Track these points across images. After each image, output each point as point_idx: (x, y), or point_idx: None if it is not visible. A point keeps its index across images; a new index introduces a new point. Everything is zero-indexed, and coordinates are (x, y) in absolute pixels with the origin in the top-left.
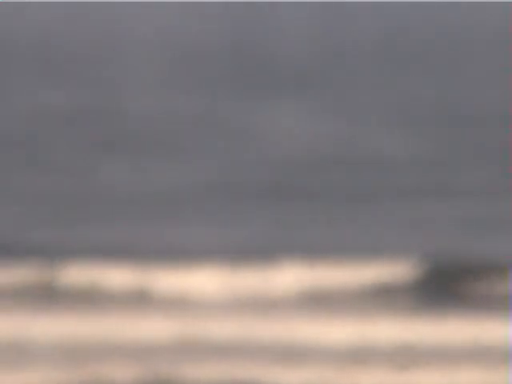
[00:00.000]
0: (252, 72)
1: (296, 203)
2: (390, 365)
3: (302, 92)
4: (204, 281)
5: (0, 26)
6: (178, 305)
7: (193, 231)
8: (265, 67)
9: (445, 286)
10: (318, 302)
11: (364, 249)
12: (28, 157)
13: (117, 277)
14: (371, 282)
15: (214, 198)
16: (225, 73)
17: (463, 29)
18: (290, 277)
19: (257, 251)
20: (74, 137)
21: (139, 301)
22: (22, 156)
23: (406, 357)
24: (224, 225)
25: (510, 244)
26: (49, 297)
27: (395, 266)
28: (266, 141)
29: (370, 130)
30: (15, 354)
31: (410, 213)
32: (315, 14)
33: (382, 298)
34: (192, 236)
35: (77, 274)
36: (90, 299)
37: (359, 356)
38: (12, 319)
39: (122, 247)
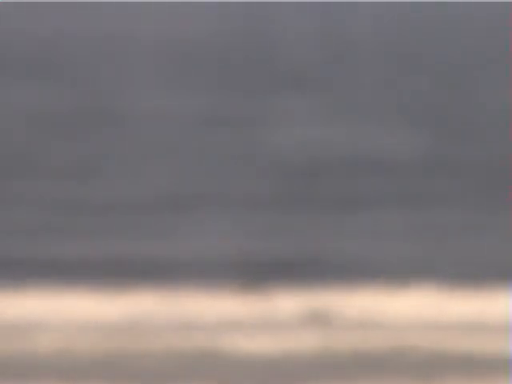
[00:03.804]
0: (252, 72)
1: (296, 209)
2: None
3: (302, 92)
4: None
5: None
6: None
7: (191, 241)
8: (265, 67)
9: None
10: None
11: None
12: (27, 159)
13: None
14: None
15: (211, 203)
16: (224, 73)
17: (463, 28)
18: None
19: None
20: (73, 138)
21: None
22: (21, 158)
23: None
24: (223, 234)
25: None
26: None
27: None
28: (265, 142)
29: (370, 130)
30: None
31: (409, 220)
32: (315, 13)
33: None
34: (191, 247)
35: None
36: None
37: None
38: None
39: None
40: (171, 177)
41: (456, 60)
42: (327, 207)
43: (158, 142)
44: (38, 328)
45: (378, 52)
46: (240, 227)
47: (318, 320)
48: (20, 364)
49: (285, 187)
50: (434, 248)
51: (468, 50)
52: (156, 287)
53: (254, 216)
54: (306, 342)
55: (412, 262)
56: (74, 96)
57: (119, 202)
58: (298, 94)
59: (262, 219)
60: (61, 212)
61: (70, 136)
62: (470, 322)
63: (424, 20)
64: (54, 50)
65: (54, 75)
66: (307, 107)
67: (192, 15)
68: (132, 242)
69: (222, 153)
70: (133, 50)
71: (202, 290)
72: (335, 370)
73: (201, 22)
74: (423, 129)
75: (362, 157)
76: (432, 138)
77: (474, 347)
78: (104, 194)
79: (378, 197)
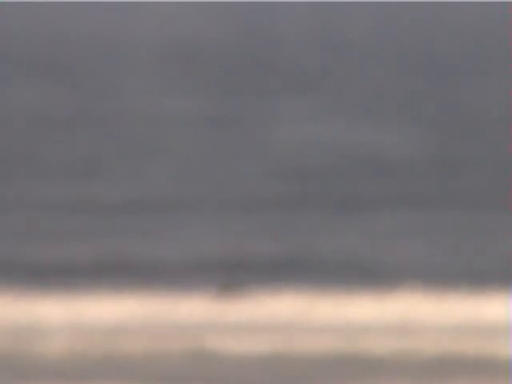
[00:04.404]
0: (252, 72)
1: (295, 210)
2: None
3: (302, 92)
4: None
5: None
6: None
7: (188, 242)
8: (265, 67)
9: None
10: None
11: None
12: (27, 160)
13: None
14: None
15: (210, 203)
16: (225, 73)
17: (463, 28)
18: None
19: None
20: (73, 139)
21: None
22: (22, 160)
23: None
24: (221, 234)
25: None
26: None
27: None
28: (265, 143)
29: (370, 130)
30: None
31: (409, 220)
32: (315, 13)
33: None
34: (189, 248)
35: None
36: None
37: None
38: None
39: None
40: (170, 177)
41: (456, 60)
42: (326, 208)
43: (157, 142)
44: (39, 330)
45: (378, 52)
46: (237, 228)
47: (311, 322)
48: (23, 366)
49: (284, 187)
50: (435, 248)
51: (468, 50)
52: (150, 289)
53: (252, 216)
54: (298, 343)
55: (412, 263)
56: (74, 96)
57: (118, 202)
58: (298, 94)
59: (261, 220)
60: (58, 213)
61: (69, 136)
62: (470, 323)
63: (424, 20)
64: (55, 50)
65: (54, 75)
66: (307, 107)
67: (192, 15)
68: (131, 243)
69: (221, 153)
70: (133, 50)
71: (194, 291)
72: (325, 372)
73: (201, 22)
74: (423, 129)
75: (362, 157)
76: (432, 138)
77: (474, 349)
78: (103, 195)
79: (378, 197)
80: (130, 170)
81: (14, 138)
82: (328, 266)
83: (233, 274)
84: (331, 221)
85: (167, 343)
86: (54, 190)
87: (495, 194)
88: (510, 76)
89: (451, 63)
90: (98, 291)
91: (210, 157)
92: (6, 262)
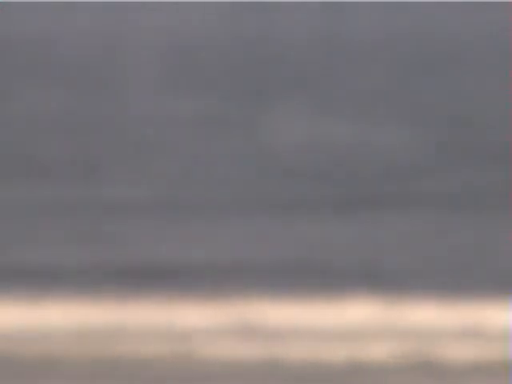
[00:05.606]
0: (252, 73)
1: (296, 212)
2: None
3: (302, 93)
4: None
5: None
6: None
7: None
8: (265, 68)
9: None
10: None
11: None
12: (27, 162)
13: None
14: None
15: (209, 206)
16: (225, 74)
17: (463, 29)
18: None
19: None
20: (73, 140)
21: None
22: (21, 162)
23: None
24: (220, 237)
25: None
26: None
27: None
28: (265, 143)
29: (370, 130)
30: None
31: (409, 221)
32: (315, 13)
33: None
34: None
35: None
36: None
37: None
38: None
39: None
40: (170, 178)
41: (456, 60)
42: (326, 209)
43: (157, 142)
44: (38, 332)
45: (377, 52)
46: (235, 230)
47: (310, 327)
48: (22, 367)
49: (284, 188)
50: (431, 253)
51: (468, 50)
52: (149, 291)
53: (250, 218)
54: (296, 350)
55: (410, 268)
56: (72, 96)
57: (116, 203)
58: (298, 93)
59: (259, 221)
60: (57, 214)
61: (67, 136)
62: (469, 330)
63: (423, 20)
64: (54, 50)
65: (53, 75)
66: (307, 107)
67: (192, 15)
68: (130, 245)
69: (221, 153)
70: (132, 50)
71: (192, 294)
72: (323, 378)
73: (201, 22)
74: (423, 129)
75: (362, 157)
76: (431, 139)
77: (473, 354)
78: (101, 195)
79: (377, 198)
80: (129, 170)
81: (13, 138)
82: (326, 268)
83: (229, 277)
84: (330, 221)
85: (164, 347)
86: (54, 190)
87: (495, 194)
88: (510, 76)
89: (451, 63)
90: (97, 293)
91: (209, 157)
92: (6, 264)
